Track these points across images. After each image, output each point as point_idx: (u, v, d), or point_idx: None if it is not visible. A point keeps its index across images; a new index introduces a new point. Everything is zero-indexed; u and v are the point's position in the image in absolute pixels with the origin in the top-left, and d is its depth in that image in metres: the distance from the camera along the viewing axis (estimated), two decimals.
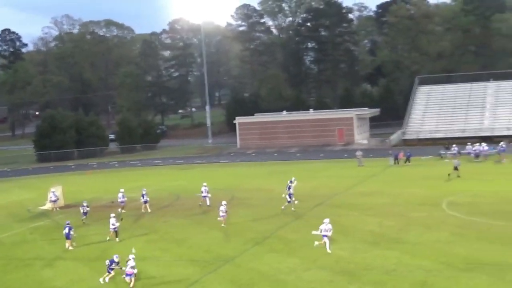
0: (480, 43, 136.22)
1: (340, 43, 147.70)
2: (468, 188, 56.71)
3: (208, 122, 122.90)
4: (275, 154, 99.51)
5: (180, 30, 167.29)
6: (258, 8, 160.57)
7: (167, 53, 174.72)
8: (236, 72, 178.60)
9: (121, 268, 33.28)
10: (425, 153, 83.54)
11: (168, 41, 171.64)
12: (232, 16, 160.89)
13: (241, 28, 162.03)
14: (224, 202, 46.53)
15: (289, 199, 50.36)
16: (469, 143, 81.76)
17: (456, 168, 63.60)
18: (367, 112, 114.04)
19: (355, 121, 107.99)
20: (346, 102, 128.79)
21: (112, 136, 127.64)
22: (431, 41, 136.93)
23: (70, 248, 41.87)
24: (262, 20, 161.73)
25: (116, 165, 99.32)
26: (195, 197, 56.82)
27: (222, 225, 45.53)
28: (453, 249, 35.86)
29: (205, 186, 54.88)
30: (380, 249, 36.75)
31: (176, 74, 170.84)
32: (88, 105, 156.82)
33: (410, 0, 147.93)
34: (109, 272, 33.58)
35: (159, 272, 34.90)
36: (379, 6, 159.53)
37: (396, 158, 78.56)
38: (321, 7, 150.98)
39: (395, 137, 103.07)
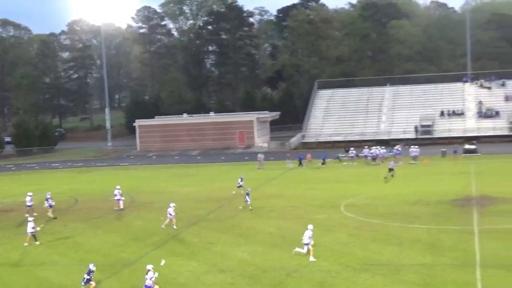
0: (377, 48, 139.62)
1: (241, 46, 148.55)
2: (366, 190, 57.96)
3: (108, 124, 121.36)
4: (176, 157, 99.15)
5: (80, 31, 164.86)
6: (159, 10, 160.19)
7: (66, 55, 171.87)
8: (136, 74, 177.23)
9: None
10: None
11: (67, 42, 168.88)
12: (132, 18, 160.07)
13: (141, 30, 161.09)
14: (172, 204, 45.63)
15: (247, 198, 50.56)
16: (366, 146, 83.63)
17: (391, 170, 64.56)
18: (268, 115, 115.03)
19: (256, 124, 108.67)
20: (247, 105, 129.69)
21: (8, 139, 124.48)
22: (330, 46, 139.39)
23: None
24: (163, 23, 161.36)
25: (13, 168, 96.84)
26: (106, 201, 56.26)
27: (174, 227, 44.62)
28: (350, 250, 36.54)
29: (118, 189, 53.92)
30: (280, 251, 37.06)
31: (75, 76, 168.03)
32: None
33: (310, 5, 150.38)
34: (88, 284, 30.68)
35: (57, 277, 34.16)
36: (279, 11, 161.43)
37: (300, 161, 79.28)
38: (222, 10, 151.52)
39: (295, 140, 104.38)
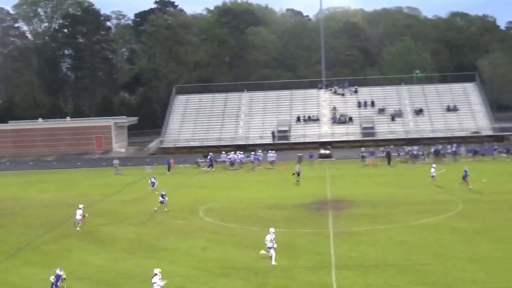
0: (235, 54, 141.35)
1: (98, 50, 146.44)
2: (224, 195, 58.50)
3: None
4: (31, 163, 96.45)
5: None
6: (12, 12, 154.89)
7: None
8: None
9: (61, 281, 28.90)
10: (183, 161, 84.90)
11: None
12: None
13: None
14: (81, 206, 45.17)
15: (161, 199, 50.28)
16: (223, 152, 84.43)
17: (298, 174, 64.76)
18: (125, 120, 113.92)
19: (113, 130, 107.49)
20: (104, 110, 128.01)
21: None
22: (188, 51, 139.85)
23: None
24: (16, 25, 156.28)
25: None
26: None
27: (78, 228, 44.13)
28: (209, 254, 36.78)
29: None
30: (139, 257, 36.88)
31: None
32: None
33: (167, 10, 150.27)
34: None
35: None
36: (137, 15, 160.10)
37: (169, 166, 78.62)
38: (78, 13, 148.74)
39: (153, 145, 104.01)
